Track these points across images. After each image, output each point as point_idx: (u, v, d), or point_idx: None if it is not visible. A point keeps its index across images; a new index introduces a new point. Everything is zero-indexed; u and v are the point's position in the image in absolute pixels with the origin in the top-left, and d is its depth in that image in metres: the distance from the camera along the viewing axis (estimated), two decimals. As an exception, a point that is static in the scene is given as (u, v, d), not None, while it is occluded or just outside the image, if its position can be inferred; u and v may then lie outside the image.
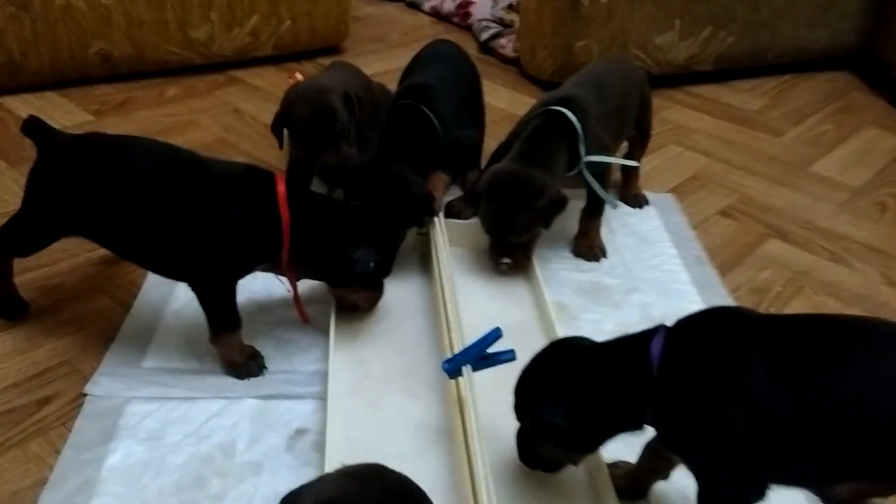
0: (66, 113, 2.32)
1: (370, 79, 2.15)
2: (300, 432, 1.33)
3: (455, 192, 1.98)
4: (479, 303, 1.66)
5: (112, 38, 2.41)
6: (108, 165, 1.36)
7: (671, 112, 2.65)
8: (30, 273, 1.63)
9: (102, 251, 1.65)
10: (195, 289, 1.36)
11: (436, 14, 3.34)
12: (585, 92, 1.77)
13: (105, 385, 1.38)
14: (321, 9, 2.72)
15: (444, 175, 1.87)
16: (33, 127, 1.42)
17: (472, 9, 3.20)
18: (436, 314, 1.56)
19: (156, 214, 1.33)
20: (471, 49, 2.95)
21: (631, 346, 1.07)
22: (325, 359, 1.44)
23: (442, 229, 1.70)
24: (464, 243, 1.81)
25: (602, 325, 1.62)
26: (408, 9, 3.46)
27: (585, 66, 1.99)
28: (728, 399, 0.96)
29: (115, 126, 2.20)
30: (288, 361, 1.48)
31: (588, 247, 1.85)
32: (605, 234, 1.89)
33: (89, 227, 1.39)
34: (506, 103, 2.55)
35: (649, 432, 1.10)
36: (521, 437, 1.19)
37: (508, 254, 1.69)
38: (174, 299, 1.60)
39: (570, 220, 1.86)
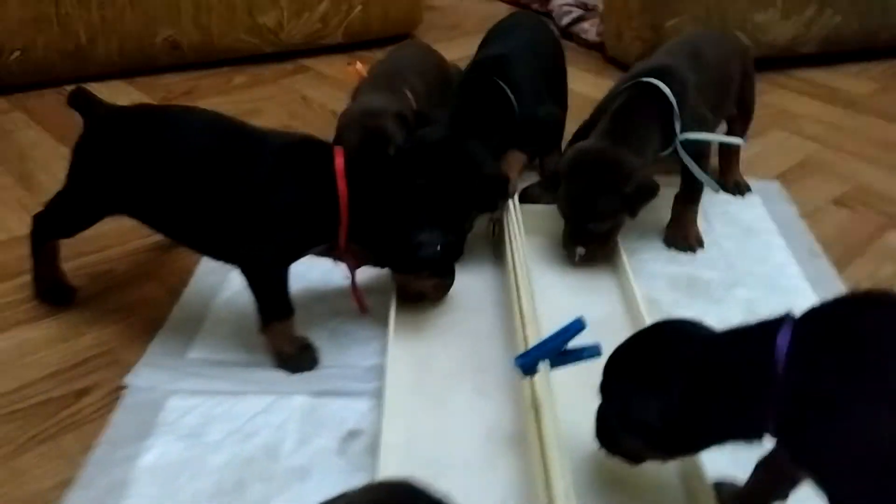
0: (132, 101, 2.23)
1: (443, 59, 2.00)
2: (353, 434, 1.18)
3: (532, 178, 1.81)
4: (557, 295, 1.48)
5: (180, 25, 2.34)
6: (152, 136, 1.24)
7: (773, 96, 2.42)
8: (80, 259, 1.54)
9: (155, 238, 1.55)
10: (244, 271, 1.23)
11: (514, 1, 3.18)
12: (680, 61, 1.58)
13: (146, 376, 1.27)
14: (394, -6, 2.60)
15: (520, 155, 1.69)
16: (79, 98, 1.32)
17: (554, -7, 3.02)
18: (509, 306, 1.39)
19: (202, 188, 1.21)
20: (552, 36, 2.79)
21: (752, 336, 0.87)
22: (385, 353, 1.29)
23: (516, 214, 1.52)
24: (541, 231, 1.63)
25: (701, 322, 1.42)
26: (485, -2, 3.31)
27: (679, 36, 1.79)
28: (885, 406, 0.75)
29: (179, 113, 2.12)
30: (344, 355, 1.33)
31: (683, 237, 1.65)
32: (702, 225, 1.69)
33: (133, 204, 1.28)
34: (590, 89, 2.35)
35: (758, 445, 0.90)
36: (603, 419, 1.00)
37: (585, 243, 1.51)
38: (226, 287, 1.48)
39: (662, 208, 1.67)
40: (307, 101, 2.29)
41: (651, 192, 1.47)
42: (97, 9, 2.20)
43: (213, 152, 1.22)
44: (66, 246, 1.46)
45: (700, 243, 1.65)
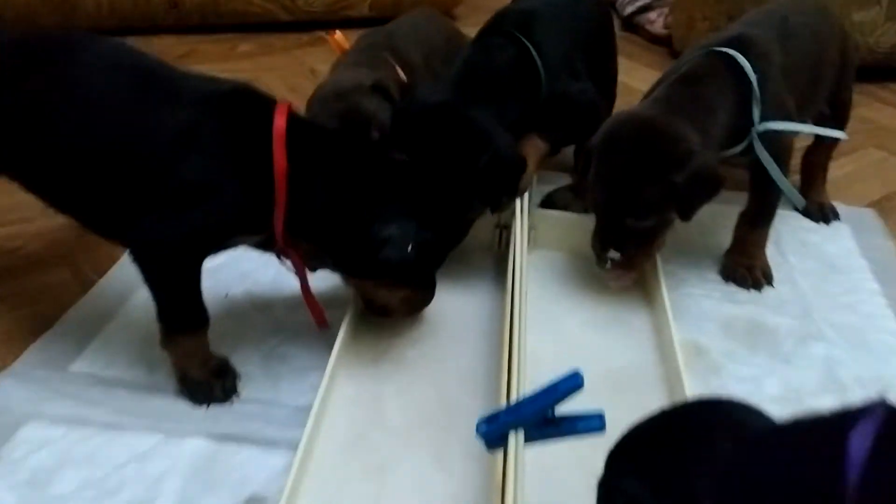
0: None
1: (457, 31, 1.66)
2: (254, 502, 0.84)
3: (559, 180, 1.45)
4: (570, 330, 1.13)
5: (182, -19, 2.06)
6: (42, 71, 0.93)
7: (871, 110, 2.03)
8: (-13, 231, 1.26)
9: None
10: (134, 256, 0.92)
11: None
12: (765, 32, 1.21)
13: (5, 391, 0.96)
14: (430, -37, 2.26)
15: (539, 142, 1.28)
16: None
17: (620, -20, 2.65)
18: (500, 340, 1.03)
19: (92, 141, 0.90)
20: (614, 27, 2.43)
21: (816, 435, 0.51)
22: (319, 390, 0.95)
23: (523, 218, 1.17)
24: (563, 245, 1.28)
25: (761, 386, 1.06)
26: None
27: (765, 4, 1.40)
28: None
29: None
30: (273, 387, 1.01)
31: (746, 267, 1.27)
32: (773, 255, 1.31)
33: (13, 160, 0.97)
34: (648, 86, 2.00)
35: None
36: None
37: (620, 244, 1.14)
38: (149, 283, 1.16)
39: (721, 227, 1.30)
40: (315, 75, 1.98)
41: (713, 183, 1.10)
42: (86, -47, 1.94)
43: (112, 96, 0.91)
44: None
45: (768, 279, 1.27)
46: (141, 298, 1.13)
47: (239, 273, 1.18)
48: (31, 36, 1.02)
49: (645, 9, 2.44)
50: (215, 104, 0.91)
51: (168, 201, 0.88)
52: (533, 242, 1.29)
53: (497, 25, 1.28)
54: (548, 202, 1.42)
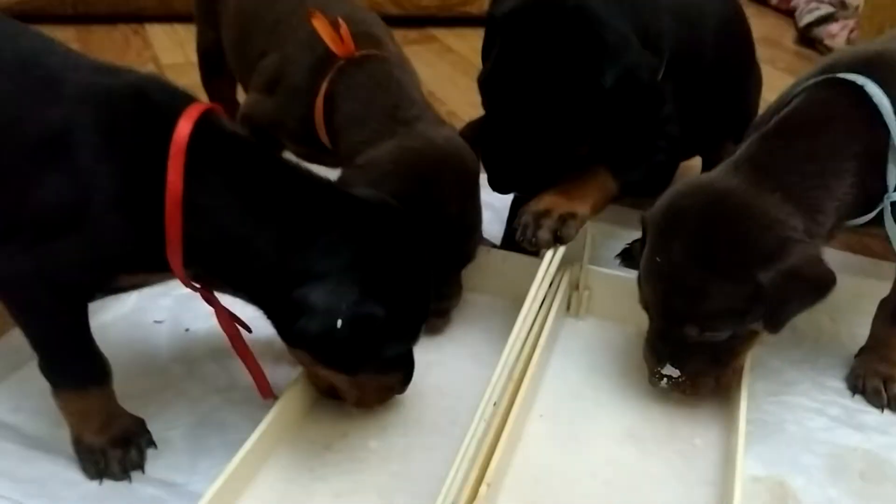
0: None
1: None
2: None
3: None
4: (595, 441, 0.83)
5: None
6: None
7: None
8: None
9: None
10: (2, 295, 0.73)
11: (747, -6, 2.43)
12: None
13: None
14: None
15: (609, 179, 0.94)
16: None
17: (801, -15, 2.23)
18: (475, 451, 0.75)
19: None
20: (786, 40, 2.06)
21: None
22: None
23: (544, 276, 0.87)
24: (622, 315, 0.97)
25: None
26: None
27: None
28: None
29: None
30: (189, 465, 0.80)
31: (884, 378, 0.91)
32: None
33: None
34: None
35: None
36: None
37: (680, 360, 0.82)
38: (114, 306, 0.99)
39: (864, 311, 0.94)
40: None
41: (817, 285, 0.77)
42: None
43: None
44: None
45: (917, 398, 0.90)
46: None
47: (198, 311, 0.97)
48: None
49: (826, 19, 2.02)
50: (100, 102, 0.70)
51: (28, 227, 0.68)
52: (585, 309, 0.99)
53: None
54: (627, 257, 1.11)
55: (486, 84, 0.91)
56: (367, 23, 1.01)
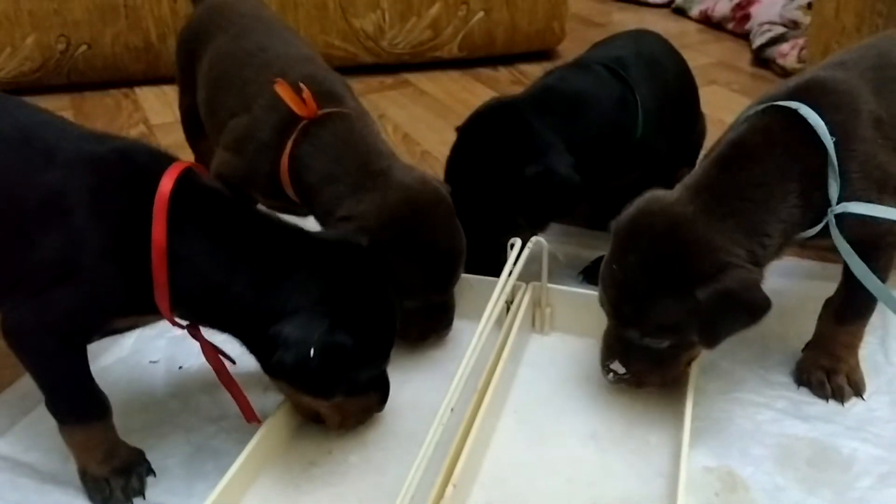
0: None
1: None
2: None
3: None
4: (557, 440, 0.91)
5: (264, 26, 2.02)
6: None
7: None
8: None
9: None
10: (9, 342, 0.81)
11: (705, 20, 2.55)
12: (854, 76, 0.92)
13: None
14: (526, -1, 2.10)
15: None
16: None
17: (754, 9, 2.34)
18: (449, 451, 0.82)
19: None
20: (742, 63, 2.15)
21: None
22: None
23: (520, 294, 0.96)
24: (581, 328, 1.05)
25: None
26: (672, 15, 2.70)
27: (866, 40, 1.11)
28: None
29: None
30: (186, 490, 0.87)
31: (827, 370, 0.98)
32: (874, 352, 1.03)
33: None
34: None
35: None
36: None
37: (626, 359, 0.91)
38: (113, 350, 1.07)
39: (810, 311, 1.02)
40: (382, 121, 1.86)
41: (751, 307, 0.84)
42: (168, 1, 1.95)
43: None
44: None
45: (857, 389, 0.98)
46: (99, 367, 1.05)
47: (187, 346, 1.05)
48: None
49: (777, 40, 2.12)
50: (90, 166, 0.79)
51: (29, 280, 0.77)
52: (549, 325, 1.07)
53: (580, 65, 1.21)
54: (589, 274, 1.19)
55: (447, 168, 1.14)
56: (328, 81, 1.08)
